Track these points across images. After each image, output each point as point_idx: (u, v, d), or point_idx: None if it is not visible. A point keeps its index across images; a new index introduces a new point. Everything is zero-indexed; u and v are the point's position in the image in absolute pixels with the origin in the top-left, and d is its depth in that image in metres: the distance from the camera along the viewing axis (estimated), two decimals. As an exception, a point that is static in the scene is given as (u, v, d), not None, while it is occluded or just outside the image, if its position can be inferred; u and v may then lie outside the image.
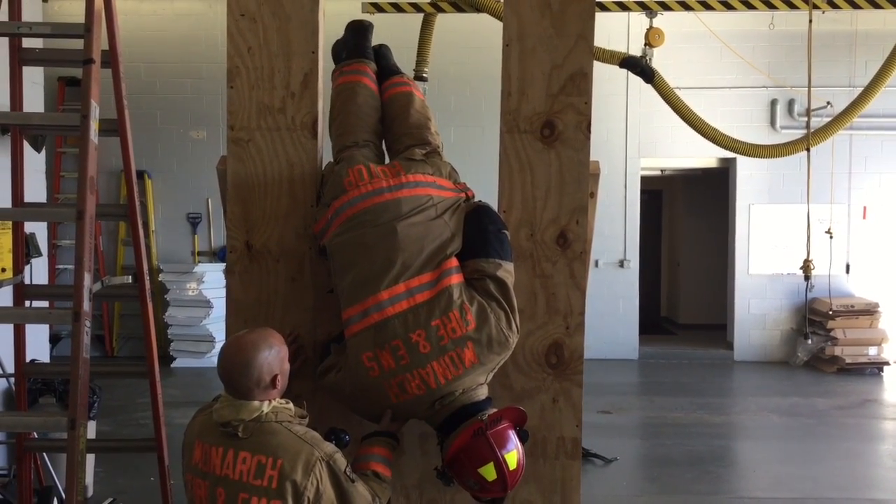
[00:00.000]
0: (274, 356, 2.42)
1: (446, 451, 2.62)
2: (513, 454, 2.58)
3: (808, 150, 6.90)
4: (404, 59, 8.31)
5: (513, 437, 2.61)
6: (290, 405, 2.44)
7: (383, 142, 3.18)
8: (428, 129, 3.10)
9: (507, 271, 2.77)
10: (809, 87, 6.99)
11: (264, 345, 2.41)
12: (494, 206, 3.04)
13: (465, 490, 2.67)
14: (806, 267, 7.12)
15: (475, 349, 2.63)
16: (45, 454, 4.57)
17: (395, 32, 9.59)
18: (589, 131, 3.01)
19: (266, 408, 2.38)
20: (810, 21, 6.73)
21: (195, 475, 2.40)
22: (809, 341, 9.79)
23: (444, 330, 2.61)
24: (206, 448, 2.38)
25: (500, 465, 2.54)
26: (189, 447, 2.47)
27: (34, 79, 5.99)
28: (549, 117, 3.01)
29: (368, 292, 2.66)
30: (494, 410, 2.67)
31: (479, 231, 2.80)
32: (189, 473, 2.43)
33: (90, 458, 5.00)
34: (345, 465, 2.42)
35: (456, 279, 2.69)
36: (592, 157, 3.04)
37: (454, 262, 2.72)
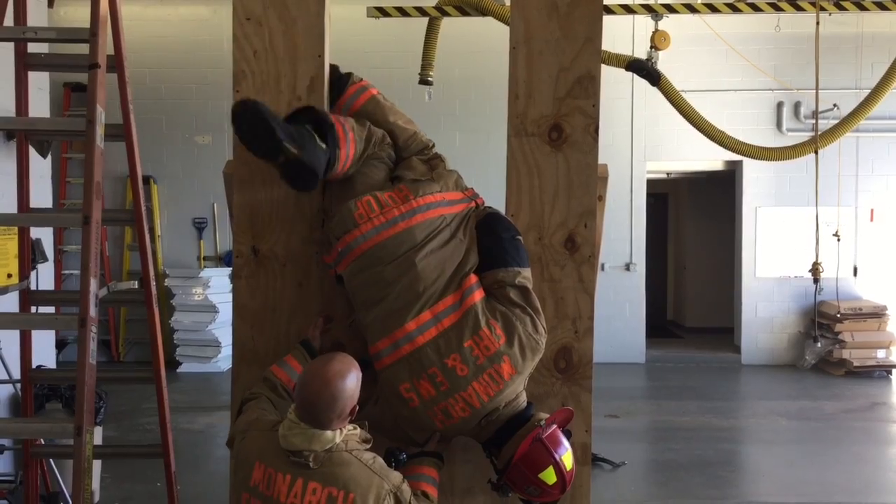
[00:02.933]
0: (355, 386, 2.36)
1: (504, 462, 2.64)
2: (568, 455, 2.63)
3: (816, 152, 6.88)
4: (409, 63, 8.38)
5: (564, 438, 2.66)
6: (358, 430, 2.39)
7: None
8: (415, 134, 2.99)
9: (525, 277, 2.77)
10: (817, 89, 6.96)
11: (349, 375, 2.34)
12: (502, 210, 3.03)
13: (522, 498, 2.69)
14: (815, 269, 7.08)
15: (511, 361, 2.64)
16: (51, 460, 4.57)
17: (399, 37, 9.68)
18: (597, 134, 2.99)
19: (339, 437, 2.32)
20: (818, 23, 6.71)
21: (254, 496, 2.34)
22: (818, 344, 9.75)
23: (477, 349, 2.61)
24: (269, 472, 2.31)
25: (559, 468, 2.59)
26: (246, 465, 2.39)
27: (40, 84, 6.00)
28: (556, 120, 2.99)
29: (395, 325, 2.64)
30: (545, 416, 2.71)
31: (493, 240, 2.78)
32: (246, 493, 2.36)
33: (96, 464, 4.99)
34: (409, 494, 2.41)
35: (478, 296, 2.68)
36: (599, 161, 3.03)
37: (474, 278, 2.71)
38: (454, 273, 2.69)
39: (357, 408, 2.38)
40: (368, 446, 2.41)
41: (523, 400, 2.74)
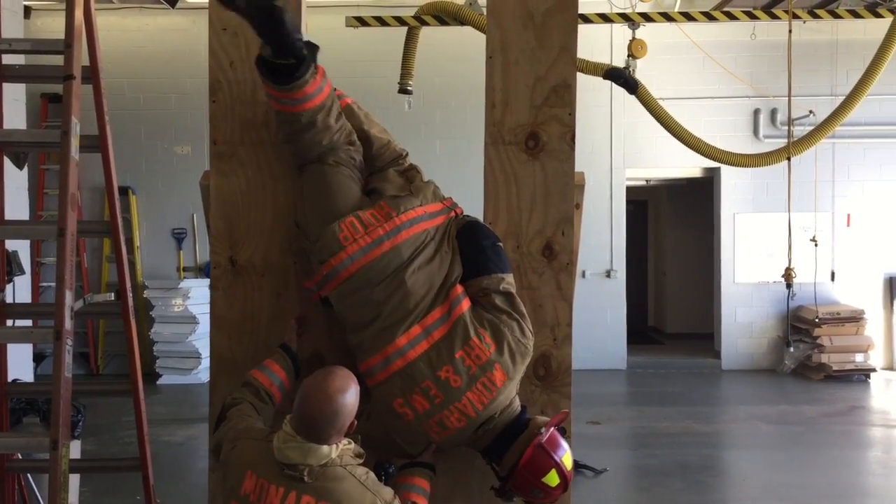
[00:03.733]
0: (355, 401, 2.34)
1: (508, 469, 2.66)
2: (567, 456, 2.68)
3: (788, 159, 6.96)
4: (389, 73, 8.39)
5: (562, 439, 2.70)
6: (352, 444, 2.37)
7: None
8: (388, 143, 2.93)
9: (509, 283, 2.79)
10: (790, 96, 7.06)
11: (350, 390, 2.33)
12: (480, 218, 3.03)
13: (526, 501, 2.73)
14: (787, 275, 7.16)
15: (502, 368, 2.66)
16: (29, 474, 4.51)
17: (379, 46, 9.70)
18: (573, 142, 3.01)
19: (335, 452, 2.30)
20: (790, 31, 6.80)
21: None
22: (791, 349, 9.83)
23: (469, 360, 2.63)
24: (261, 483, 2.29)
25: (561, 470, 2.64)
26: (236, 473, 2.36)
27: (15, 95, 5.96)
28: (533, 129, 3.00)
29: (386, 341, 2.64)
30: (542, 419, 2.75)
31: (475, 249, 2.79)
32: (235, 501, 2.33)
33: (75, 478, 4.93)
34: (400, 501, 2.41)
35: (465, 305, 2.70)
36: (577, 169, 3.04)
37: (459, 288, 2.72)
38: (441, 285, 2.70)
39: (355, 423, 2.37)
40: (361, 461, 2.39)
41: (517, 405, 2.76)
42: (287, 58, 2.57)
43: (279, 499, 2.26)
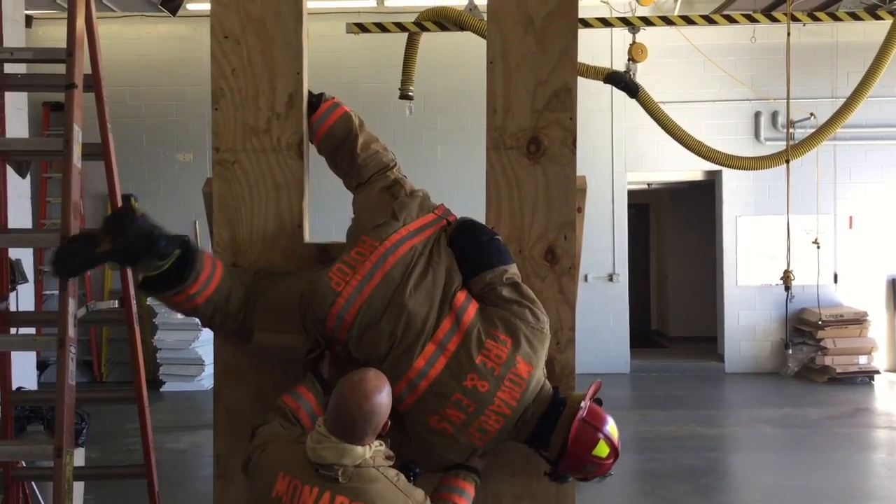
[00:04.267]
0: (388, 401, 2.37)
1: (557, 452, 2.68)
2: (612, 424, 2.70)
3: (787, 162, 6.96)
4: (390, 79, 8.40)
5: (601, 409, 2.73)
6: (383, 446, 2.38)
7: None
8: (376, 153, 2.95)
9: (513, 273, 2.80)
10: (788, 99, 7.06)
11: (384, 390, 2.36)
12: (483, 221, 3.03)
13: (579, 477, 2.75)
14: (786, 277, 7.16)
15: (525, 360, 2.67)
16: (33, 483, 4.51)
17: (379, 52, 9.72)
18: (575, 146, 3.01)
19: (368, 453, 2.31)
20: (788, 34, 6.81)
21: None
22: (790, 351, 9.82)
23: (490, 362, 2.63)
24: (295, 484, 2.29)
25: (609, 439, 2.67)
26: (267, 476, 2.35)
27: (17, 104, 5.98)
28: (534, 133, 3.01)
29: (406, 367, 2.64)
30: (577, 394, 2.75)
31: (473, 246, 2.80)
32: None
33: (79, 486, 4.93)
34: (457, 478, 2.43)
35: (472, 310, 2.70)
36: (579, 173, 3.04)
37: (462, 295, 2.72)
38: (443, 297, 2.70)
39: (388, 423, 2.39)
40: (391, 463, 2.41)
41: (548, 387, 2.76)
42: (169, 258, 2.65)
43: (313, 499, 2.26)
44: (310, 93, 3.09)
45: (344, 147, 2.98)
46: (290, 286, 2.82)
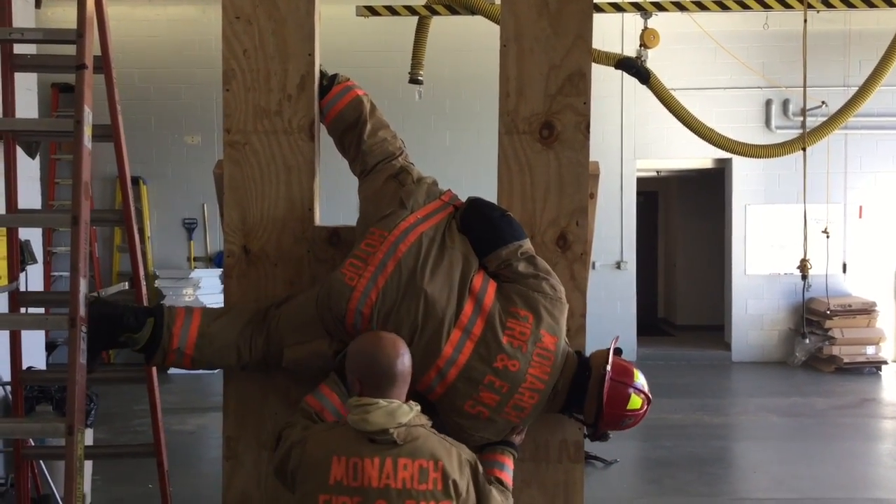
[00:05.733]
0: (409, 352, 2.46)
1: (593, 416, 2.74)
2: (637, 374, 2.77)
3: (804, 149, 6.91)
4: (399, 63, 8.37)
5: (626, 363, 2.79)
6: (418, 405, 2.42)
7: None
8: (384, 141, 2.94)
9: (528, 248, 2.81)
10: (805, 87, 7.00)
11: (401, 340, 2.45)
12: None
13: (619, 431, 2.84)
14: (803, 266, 7.12)
15: (549, 332, 2.69)
16: (42, 462, 4.54)
17: (389, 36, 9.67)
18: (588, 132, 2.99)
19: (414, 409, 2.36)
20: (805, 21, 6.74)
21: (336, 494, 2.29)
22: (807, 341, 9.79)
23: (517, 340, 2.65)
24: (354, 462, 2.29)
25: (639, 391, 2.75)
26: (320, 466, 2.33)
27: (27, 85, 5.96)
28: (547, 118, 2.99)
29: (434, 355, 2.64)
30: (601, 354, 2.77)
31: (484, 224, 2.79)
32: (324, 495, 2.30)
33: (88, 466, 4.96)
34: (482, 468, 2.46)
35: (491, 291, 2.71)
36: (590, 158, 3.02)
37: (480, 276, 2.72)
38: (461, 281, 2.69)
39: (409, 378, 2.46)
40: (431, 423, 2.44)
41: (573, 354, 2.78)
42: (144, 327, 2.84)
43: (377, 470, 2.28)
44: (322, 73, 3.08)
45: (352, 132, 2.96)
46: (305, 298, 2.85)
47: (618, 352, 2.81)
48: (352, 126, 2.97)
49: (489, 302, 2.67)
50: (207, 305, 9.61)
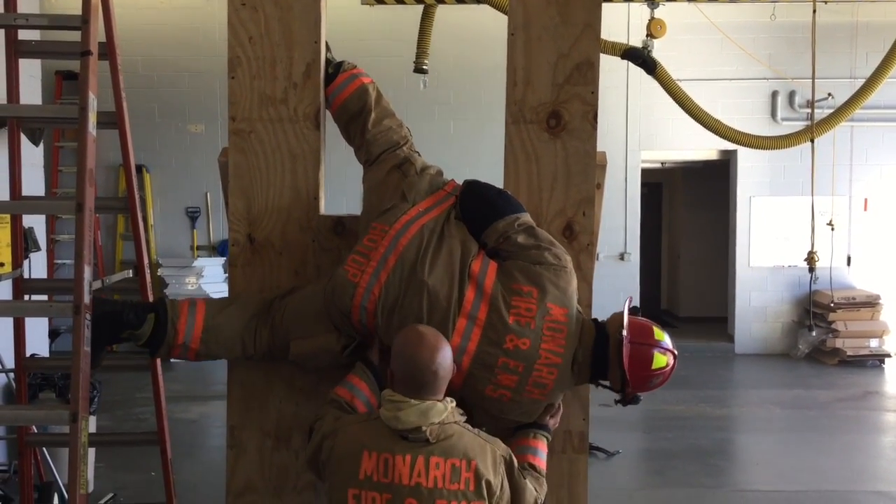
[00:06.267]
0: (451, 351, 2.41)
1: (619, 382, 2.67)
2: (657, 331, 2.71)
3: (812, 141, 6.88)
4: (404, 52, 8.34)
5: (643, 321, 2.72)
6: (454, 402, 2.37)
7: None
8: (388, 130, 2.91)
9: (526, 220, 2.76)
10: (814, 78, 6.96)
11: (444, 339, 2.40)
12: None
13: (650, 392, 2.76)
14: (810, 259, 7.10)
15: (557, 304, 2.63)
16: (45, 450, 4.55)
17: (394, 25, 9.63)
18: (596, 121, 2.97)
19: (449, 406, 2.32)
20: (814, 11, 6.71)
21: (365, 489, 2.26)
22: (813, 333, 9.78)
23: (524, 318, 2.59)
24: (385, 458, 2.25)
25: (662, 348, 2.68)
26: (350, 459, 2.29)
27: (31, 72, 5.95)
28: (555, 107, 2.97)
29: None
30: (617, 317, 2.71)
31: (481, 202, 2.76)
32: (354, 489, 2.27)
33: (91, 453, 4.98)
34: (517, 461, 2.42)
35: (492, 272, 2.65)
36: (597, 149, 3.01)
37: (479, 260, 2.67)
38: (461, 269, 2.65)
39: (455, 368, 2.41)
40: (465, 418, 2.41)
41: (589, 323, 2.73)
42: (146, 323, 2.82)
43: (408, 467, 2.24)
44: (328, 61, 3.06)
45: (357, 121, 2.95)
46: (310, 290, 2.83)
47: (634, 311, 2.74)
48: (356, 115, 2.95)
49: (490, 283, 2.62)
50: (210, 294, 9.68)
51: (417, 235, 2.66)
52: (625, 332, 2.63)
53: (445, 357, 2.35)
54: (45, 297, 4.71)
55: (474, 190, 2.81)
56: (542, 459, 2.65)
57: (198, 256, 10.30)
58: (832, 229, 9.30)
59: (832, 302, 9.78)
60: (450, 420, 2.31)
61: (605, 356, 2.67)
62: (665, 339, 2.71)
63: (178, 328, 2.80)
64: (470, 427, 2.38)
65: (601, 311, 2.86)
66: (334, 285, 2.69)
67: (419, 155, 2.95)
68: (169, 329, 2.80)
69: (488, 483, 2.28)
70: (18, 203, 3.69)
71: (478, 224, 2.74)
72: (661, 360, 2.66)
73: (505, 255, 2.70)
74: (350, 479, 2.28)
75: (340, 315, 2.70)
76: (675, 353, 2.71)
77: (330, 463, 2.37)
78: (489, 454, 2.32)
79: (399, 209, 2.72)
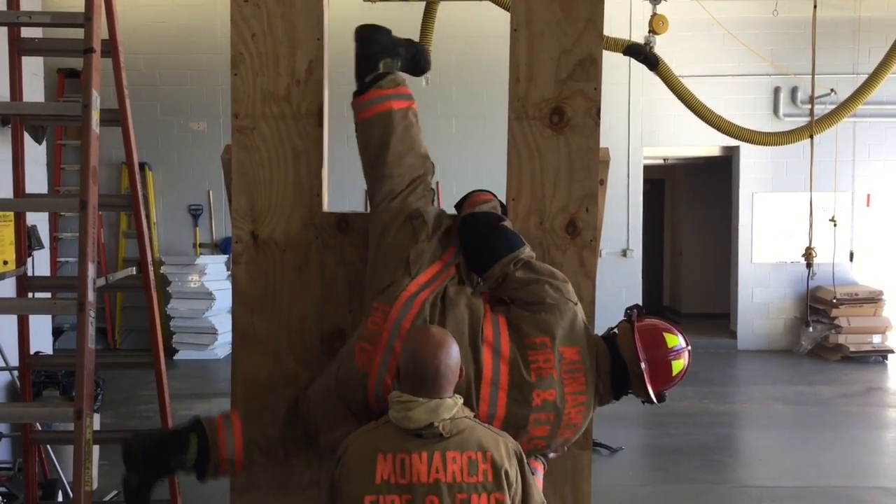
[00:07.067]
0: (458, 350, 2.39)
1: (646, 395, 2.65)
2: (669, 336, 2.67)
3: (811, 137, 6.87)
4: (406, 49, 8.27)
5: (644, 321, 2.70)
6: (461, 399, 2.36)
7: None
8: (408, 168, 2.81)
9: (525, 255, 2.71)
10: (814, 73, 6.95)
11: (451, 337, 2.38)
12: (502, 194, 3.00)
13: (676, 386, 2.72)
14: (808, 254, 7.09)
15: (566, 344, 2.60)
16: (49, 448, 4.55)
17: (395, 22, 9.58)
18: (598, 117, 2.97)
19: (459, 402, 2.31)
20: (815, 6, 6.68)
21: (383, 493, 2.22)
22: (811, 329, 9.77)
23: (545, 370, 2.56)
24: (401, 458, 2.23)
25: (678, 352, 2.66)
26: (363, 467, 2.26)
27: (34, 70, 5.95)
28: (557, 103, 2.97)
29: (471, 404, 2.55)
30: (625, 331, 2.69)
31: (478, 242, 2.72)
32: (370, 496, 2.23)
33: (95, 451, 4.98)
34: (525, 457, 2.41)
35: (504, 332, 2.59)
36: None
37: (489, 322, 2.60)
38: (472, 337, 2.57)
39: (463, 371, 2.39)
40: (475, 413, 2.41)
41: (602, 348, 2.69)
42: (189, 449, 2.76)
43: (425, 465, 2.22)
44: (367, 66, 2.89)
45: (374, 149, 2.83)
46: (325, 380, 2.76)
47: (638, 311, 2.72)
48: (375, 142, 2.82)
49: (506, 344, 2.57)
50: (212, 291, 9.69)
51: (420, 314, 2.58)
52: (643, 365, 2.61)
53: (451, 356, 2.33)
54: (48, 295, 4.72)
55: (470, 228, 2.76)
56: (539, 479, 2.65)
57: (200, 254, 10.30)
58: (835, 225, 9.29)
59: (835, 298, 9.77)
60: (460, 415, 2.30)
61: (624, 379, 2.66)
62: (678, 341, 2.68)
63: (219, 444, 2.75)
64: (479, 421, 2.38)
65: (604, 308, 2.87)
66: (346, 377, 2.64)
67: (434, 191, 2.89)
68: (211, 446, 2.74)
69: (506, 473, 2.26)
70: (22, 201, 3.70)
71: (476, 265, 2.72)
72: (680, 364, 2.67)
73: (508, 294, 2.67)
74: (366, 485, 2.24)
75: (357, 404, 2.65)
76: (689, 345, 2.70)
77: (343, 475, 2.31)
78: (502, 446, 2.31)
79: (399, 285, 2.63)
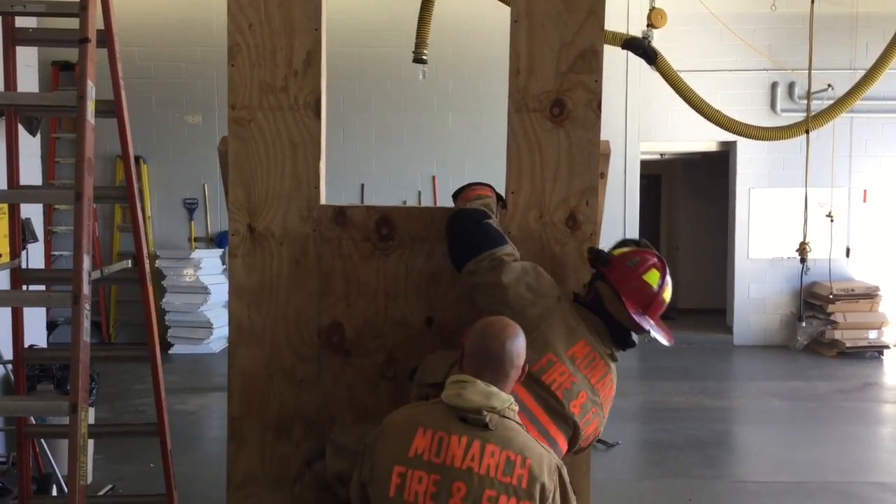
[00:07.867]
0: (524, 344, 2.36)
1: (631, 321, 2.68)
2: (629, 261, 2.73)
3: (807, 132, 6.86)
4: (403, 42, 8.30)
5: (615, 264, 2.73)
6: (516, 404, 2.32)
7: None
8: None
9: (497, 254, 2.66)
10: (810, 69, 6.94)
11: (521, 330, 2.36)
12: (501, 187, 2.98)
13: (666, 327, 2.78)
14: (802, 249, 7.08)
15: (576, 343, 2.62)
16: (43, 442, 4.53)
17: (393, 15, 9.57)
18: (599, 110, 2.95)
19: (513, 404, 2.28)
20: (812, 2, 6.67)
21: (413, 467, 2.16)
22: (804, 324, 9.77)
23: (567, 382, 2.58)
24: (440, 436, 2.17)
25: (649, 265, 2.73)
26: (403, 434, 2.21)
27: (28, 61, 5.89)
28: (558, 96, 2.94)
29: None
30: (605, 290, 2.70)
31: (461, 236, 2.74)
32: (400, 466, 2.17)
33: (90, 445, 4.96)
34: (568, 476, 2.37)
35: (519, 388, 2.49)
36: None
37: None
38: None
39: (527, 368, 2.37)
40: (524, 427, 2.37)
41: (595, 320, 2.72)
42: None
43: (462, 449, 2.16)
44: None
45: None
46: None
47: (601, 256, 2.74)
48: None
49: (524, 396, 2.50)
50: (207, 286, 9.65)
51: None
52: (623, 298, 2.65)
53: (518, 342, 2.31)
54: (43, 288, 4.69)
55: (455, 223, 2.78)
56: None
57: (196, 248, 10.26)
58: (831, 221, 9.29)
59: (831, 293, 9.78)
60: (510, 415, 2.25)
61: (624, 333, 2.72)
62: (637, 258, 2.72)
63: None
64: (528, 431, 2.33)
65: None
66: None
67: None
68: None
69: (542, 486, 2.18)
70: (17, 192, 3.66)
71: (455, 260, 2.74)
72: (654, 276, 2.71)
73: (475, 291, 2.70)
74: (399, 455, 2.19)
75: None
76: (661, 259, 2.75)
77: (378, 442, 2.27)
78: (545, 460, 2.24)
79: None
